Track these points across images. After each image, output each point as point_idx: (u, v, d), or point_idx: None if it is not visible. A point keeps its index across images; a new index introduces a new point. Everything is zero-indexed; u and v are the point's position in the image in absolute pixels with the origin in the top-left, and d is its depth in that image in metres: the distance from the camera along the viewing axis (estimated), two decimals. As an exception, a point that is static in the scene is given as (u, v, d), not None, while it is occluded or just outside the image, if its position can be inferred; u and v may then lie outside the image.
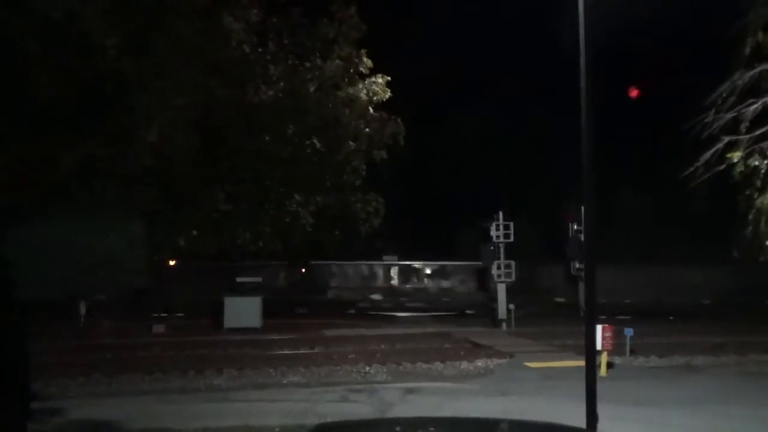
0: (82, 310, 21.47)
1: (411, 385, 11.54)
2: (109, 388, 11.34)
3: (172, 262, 17.32)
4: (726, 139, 7.74)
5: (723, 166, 7.69)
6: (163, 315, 22.72)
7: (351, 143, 5.76)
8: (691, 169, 7.91)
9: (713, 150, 7.69)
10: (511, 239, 22.64)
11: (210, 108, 4.69)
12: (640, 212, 33.78)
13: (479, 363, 14.12)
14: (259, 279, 21.68)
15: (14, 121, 4.16)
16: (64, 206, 4.50)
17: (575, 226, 23.34)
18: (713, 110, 7.79)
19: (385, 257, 32.22)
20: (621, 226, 31.53)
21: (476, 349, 16.22)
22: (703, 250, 28.16)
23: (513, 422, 2.23)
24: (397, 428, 2.51)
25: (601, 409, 5.87)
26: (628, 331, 13.98)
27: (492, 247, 22.89)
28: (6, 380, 6.11)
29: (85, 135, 4.26)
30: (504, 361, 14.49)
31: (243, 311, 20.62)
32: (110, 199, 4.42)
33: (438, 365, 13.73)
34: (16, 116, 4.16)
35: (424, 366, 13.65)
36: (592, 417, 5.61)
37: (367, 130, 5.87)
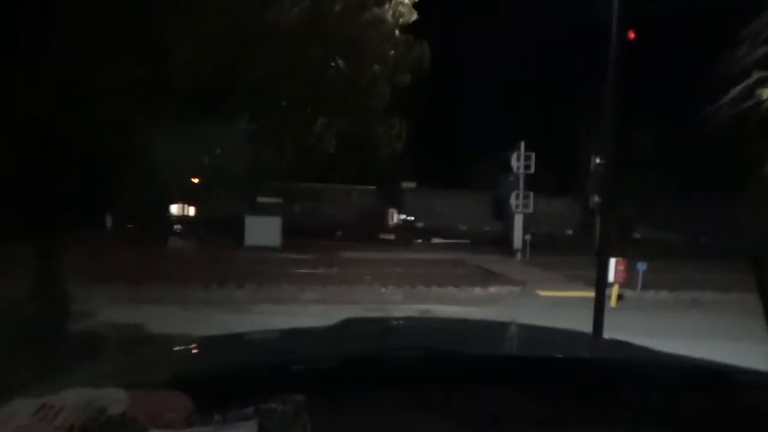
0: (109, 222, 22.19)
1: (424, 306, 11.95)
2: (135, 295, 11.88)
3: (195, 180, 17.58)
4: (757, 75, 7.49)
5: (751, 103, 7.48)
6: (185, 230, 23.39)
7: (376, 66, 5.71)
8: (717, 105, 7.71)
9: (742, 85, 7.47)
10: (532, 170, 22.61)
11: (236, 26, 4.68)
12: (663, 149, 33.06)
13: (492, 289, 14.51)
14: (279, 200, 22.10)
15: (53, 37, 4.23)
16: (98, 120, 4.62)
17: (597, 161, 23.09)
18: (746, 44, 7.50)
19: (403, 184, 32.26)
20: (645, 162, 30.98)
21: (489, 276, 16.61)
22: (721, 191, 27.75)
23: (529, 325, 2.45)
24: (422, 324, 2.75)
25: (608, 336, 6.11)
26: (641, 266, 14.18)
27: (511, 178, 22.93)
28: (47, 288, 6.53)
29: (123, 52, 4.33)
30: (516, 288, 14.87)
31: (263, 230, 21.19)
32: (144, 114, 4.52)
33: (451, 289, 14.14)
34: (56, 31, 4.23)
35: (438, 289, 14.06)
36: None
37: (393, 53, 5.79)
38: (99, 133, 4.95)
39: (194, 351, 1.78)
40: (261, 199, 21.67)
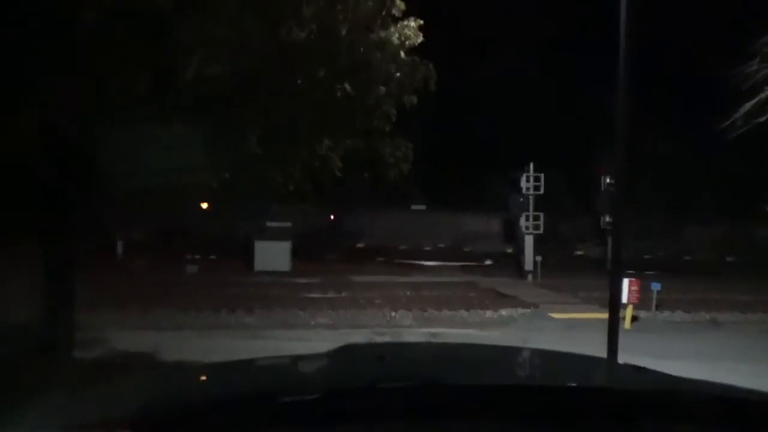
0: (120, 249, 22.32)
1: (435, 330, 11.80)
2: (147, 322, 11.85)
3: (204, 205, 17.68)
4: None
5: (764, 118, 7.40)
6: (195, 256, 23.39)
7: (381, 87, 5.70)
8: (730, 120, 7.64)
9: (755, 100, 7.40)
10: (541, 191, 22.52)
11: (244, 46, 4.70)
12: (675, 165, 32.85)
13: (503, 312, 14.33)
14: (288, 224, 22.11)
15: (61, 47, 4.27)
16: (106, 136, 4.63)
17: (607, 180, 22.96)
18: (758, 59, 7.45)
19: (413, 206, 32.20)
20: (656, 180, 30.83)
21: (501, 299, 16.42)
22: (734, 205, 27.57)
23: (537, 350, 2.34)
24: (422, 350, 2.65)
25: (622, 360, 5.97)
26: (655, 286, 13.96)
27: (521, 199, 22.83)
28: (55, 312, 6.50)
29: (128, 65, 4.35)
30: (528, 311, 14.66)
31: (273, 255, 21.17)
32: (150, 133, 4.52)
33: (462, 313, 13.97)
34: (64, 42, 4.27)
35: (449, 313, 13.90)
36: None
37: (398, 74, 5.78)
38: (106, 153, 4.96)
39: (164, 383, 1.69)
40: (270, 224, 21.69)
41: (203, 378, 1.70)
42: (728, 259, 29.24)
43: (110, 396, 1.48)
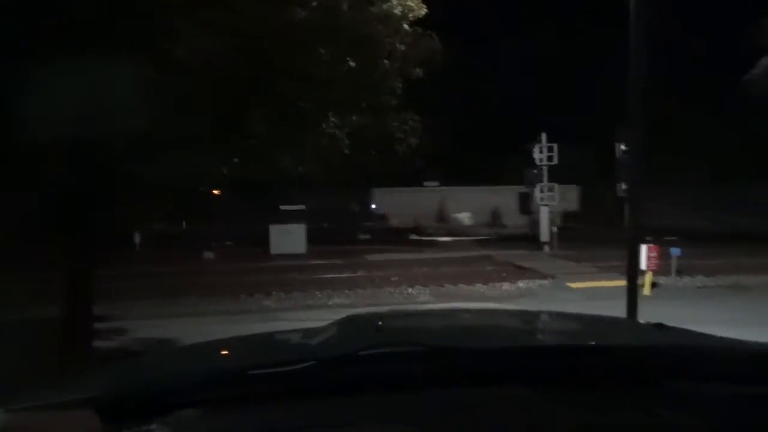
0: (137, 239, 22.52)
1: (453, 305, 11.76)
2: (168, 310, 11.95)
3: (216, 192, 17.65)
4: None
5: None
6: (212, 243, 23.50)
7: (385, 61, 5.59)
8: (748, 75, 7.41)
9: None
10: (555, 161, 22.21)
11: (242, 27, 4.61)
12: (699, 130, 32.06)
13: (521, 284, 14.25)
14: (302, 206, 22.13)
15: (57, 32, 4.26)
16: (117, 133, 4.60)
17: (622, 147, 22.53)
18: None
19: (425, 183, 32.02)
20: (678, 147, 30.18)
21: (518, 271, 16.32)
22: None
23: (550, 312, 2.27)
24: (425, 316, 2.60)
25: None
26: (675, 251, 13.77)
27: (535, 170, 22.56)
28: (74, 305, 6.57)
29: (124, 54, 4.31)
30: (546, 282, 14.57)
31: (288, 238, 21.25)
32: (153, 122, 4.47)
33: (480, 286, 13.93)
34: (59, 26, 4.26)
35: (466, 287, 13.86)
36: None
37: (402, 47, 5.66)
38: (119, 147, 4.93)
39: (144, 365, 1.66)
40: (283, 207, 21.74)
41: (186, 357, 1.67)
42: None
43: (94, 379, 1.45)
